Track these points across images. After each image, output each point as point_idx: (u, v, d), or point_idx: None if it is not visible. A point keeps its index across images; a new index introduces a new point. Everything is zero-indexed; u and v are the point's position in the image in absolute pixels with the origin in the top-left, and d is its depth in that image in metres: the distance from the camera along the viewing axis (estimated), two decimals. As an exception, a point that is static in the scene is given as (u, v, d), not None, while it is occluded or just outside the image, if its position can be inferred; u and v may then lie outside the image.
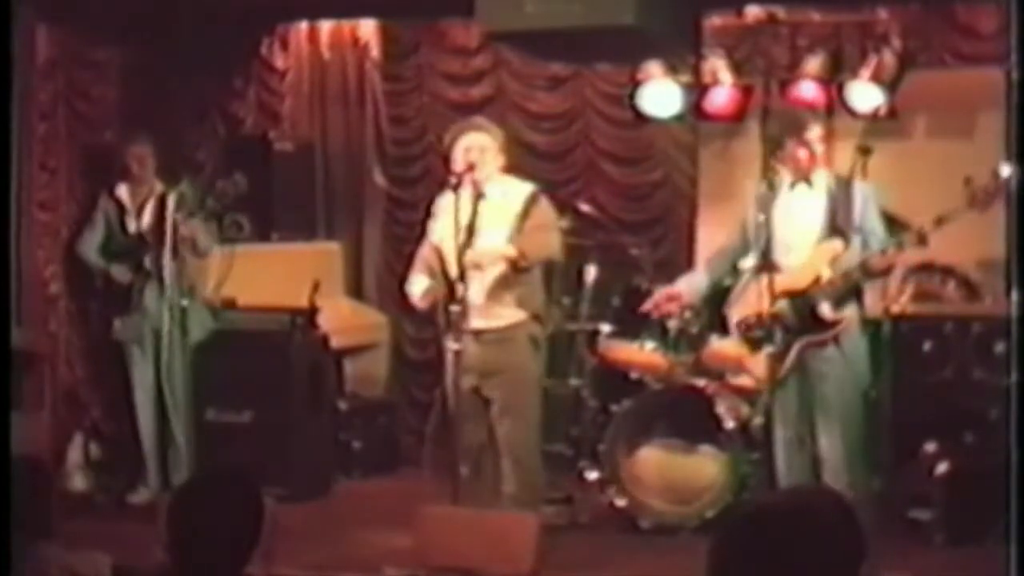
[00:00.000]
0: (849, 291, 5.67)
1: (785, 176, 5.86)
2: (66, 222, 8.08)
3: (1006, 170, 5.37)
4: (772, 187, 5.85)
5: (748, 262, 6.04)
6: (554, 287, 6.83)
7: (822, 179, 5.79)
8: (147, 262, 7.18)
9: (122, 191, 7.43)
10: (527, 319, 6.14)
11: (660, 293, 6.24)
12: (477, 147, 6.10)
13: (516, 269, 6.08)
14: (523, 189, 6.21)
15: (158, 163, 7.43)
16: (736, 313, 5.94)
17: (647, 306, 6.42)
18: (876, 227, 5.72)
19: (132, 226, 7.37)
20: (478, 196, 6.06)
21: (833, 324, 5.62)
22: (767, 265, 5.79)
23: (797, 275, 5.69)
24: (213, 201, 6.68)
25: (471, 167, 6.05)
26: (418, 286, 6.24)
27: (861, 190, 5.75)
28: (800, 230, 5.76)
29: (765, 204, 5.82)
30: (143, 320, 7.22)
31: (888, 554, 5.46)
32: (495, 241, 6.07)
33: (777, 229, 5.79)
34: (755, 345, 5.74)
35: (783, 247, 5.81)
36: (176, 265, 6.89)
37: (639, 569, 6.34)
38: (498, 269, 6.07)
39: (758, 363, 5.76)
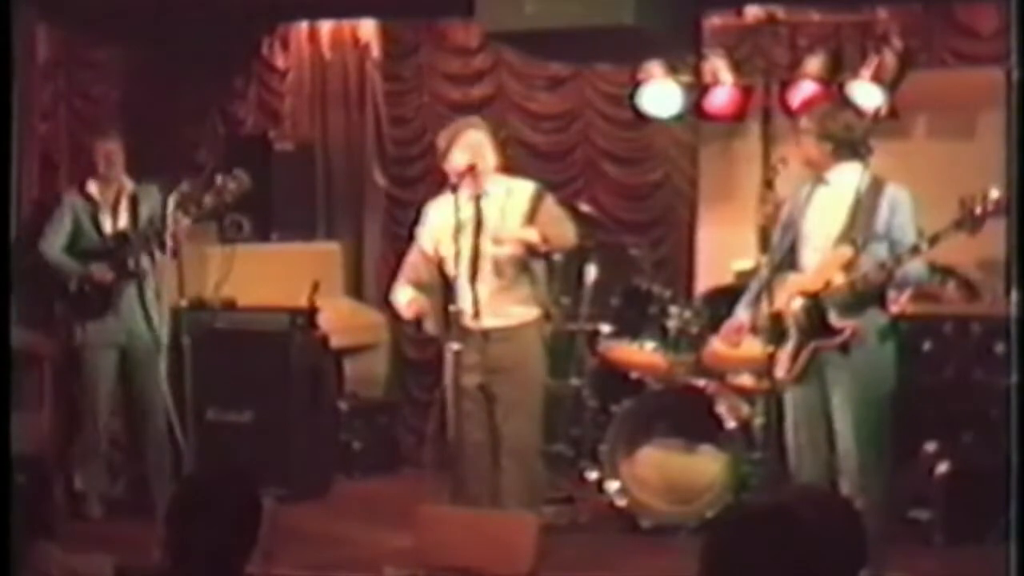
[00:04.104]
0: (857, 300, 5.59)
1: (802, 175, 5.80)
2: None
3: (995, 192, 5.34)
4: (811, 185, 5.76)
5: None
6: (554, 287, 6.83)
7: (852, 180, 5.69)
8: (131, 262, 7.11)
9: (92, 188, 7.25)
10: (538, 316, 6.14)
11: (726, 327, 6.10)
12: (477, 145, 6.09)
13: (533, 254, 6.06)
14: (527, 187, 6.20)
15: (127, 161, 7.24)
16: (754, 310, 5.88)
17: (723, 341, 6.21)
18: (904, 236, 5.52)
19: (107, 225, 7.21)
20: (479, 196, 6.06)
21: (840, 331, 5.58)
22: (788, 264, 5.74)
23: (812, 277, 5.66)
24: (212, 198, 6.61)
25: (472, 167, 6.04)
26: (403, 296, 6.22)
27: (890, 195, 5.60)
28: (823, 230, 5.69)
29: (799, 203, 5.76)
30: (119, 322, 7.16)
31: (888, 554, 5.46)
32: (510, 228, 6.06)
33: (803, 227, 5.74)
34: (769, 344, 5.70)
35: (807, 246, 5.75)
36: (161, 265, 6.89)
37: (639, 569, 6.34)
38: (505, 272, 6.05)
39: (771, 362, 5.71)
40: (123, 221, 7.20)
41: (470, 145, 6.07)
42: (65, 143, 8.71)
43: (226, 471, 3.45)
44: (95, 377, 7.24)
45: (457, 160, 6.06)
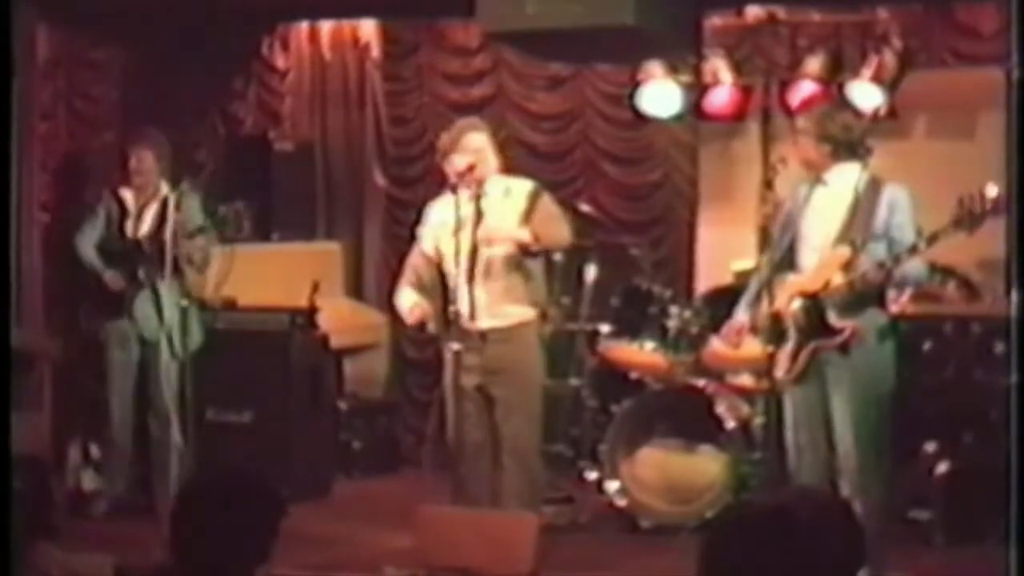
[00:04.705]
0: (856, 300, 5.58)
1: (800, 175, 5.79)
2: (66, 223, 8.07)
3: (992, 190, 5.34)
4: (810, 185, 5.76)
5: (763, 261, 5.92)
6: (554, 287, 6.83)
7: (850, 180, 5.69)
8: (141, 272, 7.15)
9: (126, 192, 7.36)
10: (535, 317, 6.14)
11: (726, 328, 6.03)
12: (478, 149, 6.09)
13: (526, 253, 6.06)
14: (524, 186, 6.21)
15: (163, 166, 7.32)
16: (753, 311, 5.87)
17: (724, 343, 6.12)
18: (903, 236, 5.52)
19: (129, 230, 7.29)
20: (479, 196, 6.06)
21: (839, 331, 5.58)
22: (787, 264, 5.74)
23: (811, 277, 5.65)
24: (212, 226, 6.66)
25: (472, 168, 6.05)
26: (406, 300, 6.22)
27: (889, 195, 5.60)
28: (822, 230, 5.69)
29: (798, 203, 5.75)
30: (131, 328, 7.20)
31: (888, 554, 5.46)
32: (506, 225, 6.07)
33: (802, 227, 5.73)
34: (769, 344, 5.69)
35: (805, 246, 5.74)
36: (173, 278, 6.93)
37: (639, 569, 6.34)
38: (500, 272, 6.06)
39: (771, 362, 5.71)
40: (145, 228, 7.23)
41: (472, 149, 6.08)
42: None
43: (244, 473, 3.39)
44: (112, 377, 7.30)
45: (457, 162, 6.07)
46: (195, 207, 6.99)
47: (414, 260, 6.29)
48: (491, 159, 6.13)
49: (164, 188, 7.26)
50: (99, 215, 7.41)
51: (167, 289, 7.02)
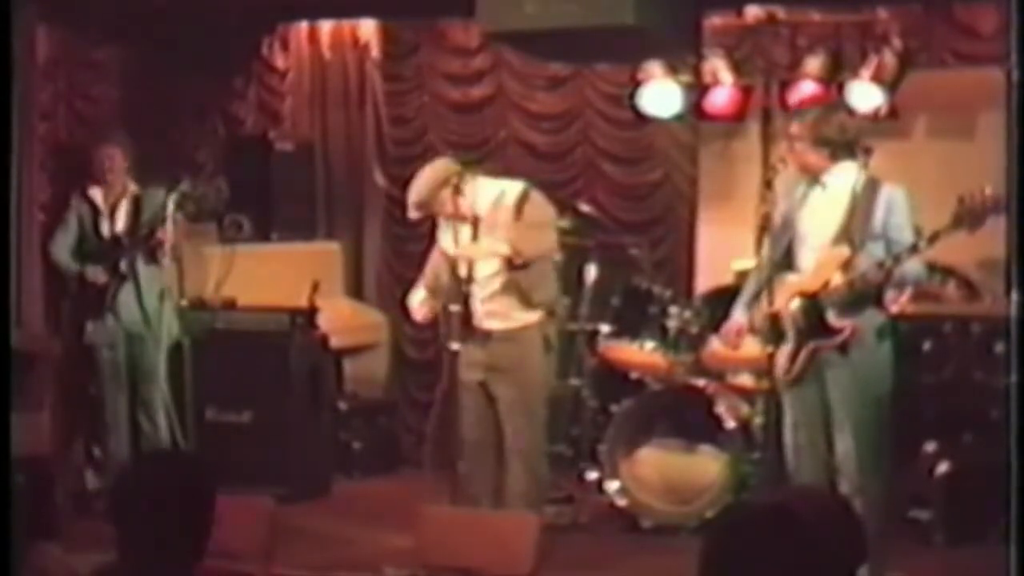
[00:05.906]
0: (856, 300, 5.58)
1: (798, 175, 5.79)
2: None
3: (990, 188, 5.35)
4: (806, 185, 5.76)
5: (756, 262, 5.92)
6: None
7: (847, 180, 5.69)
8: (123, 265, 7.19)
9: (95, 192, 7.41)
10: (541, 318, 6.13)
11: (725, 330, 6.02)
12: (447, 197, 6.07)
13: (512, 267, 6.07)
14: (513, 188, 6.19)
15: (129, 163, 7.37)
16: (752, 311, 5.86)
17: (724, 343, 6.11)
18: (901, 235, 5.52)
19: (105, 228, 7.35)
20: (476, 219, 6.07)
21: (839, 331, 5.58)
22: (785, 264, 5.74)
23: (810, 278, 5.65)
24: (193, 206, 6.69)
25: (456, 196, 6.06)
26: (416, 297, 6.27)
27: (886, 195, 5.59)
28: (820, 230, 5.69)
29: (795, 203, 5.75)
30: (117, 323, 7.23)
31: (888, 554, 5.46)
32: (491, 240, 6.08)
33: (800, 228, 5.73)
34: (768, 344, 5.69)
35: (804, 246, 5.74)
36: (152, 268, 6.97)
37: (639, 569, 6.35)
38: (500, 272, 6.07)
39: (771, 362, 5.71)
40: (120, 224, 7.29)
41: (441, 201, 6.06)
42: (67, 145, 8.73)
43: (173, 459, 3.32)
44: (104, 376, 7.34)
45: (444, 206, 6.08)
46: (158, 199, 6.97)
47: (434, 259, 6.31)
48: (469, 188, 6.09)
49: (132, 186, 7.33)
50: (70, 220, 7.45)
51: (146, 281, 7.08)
